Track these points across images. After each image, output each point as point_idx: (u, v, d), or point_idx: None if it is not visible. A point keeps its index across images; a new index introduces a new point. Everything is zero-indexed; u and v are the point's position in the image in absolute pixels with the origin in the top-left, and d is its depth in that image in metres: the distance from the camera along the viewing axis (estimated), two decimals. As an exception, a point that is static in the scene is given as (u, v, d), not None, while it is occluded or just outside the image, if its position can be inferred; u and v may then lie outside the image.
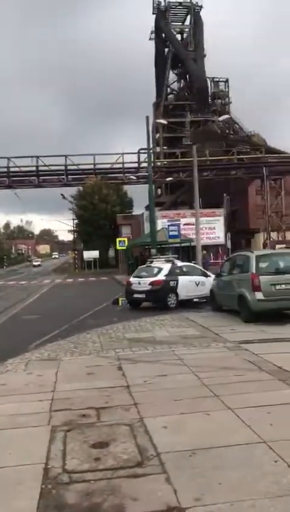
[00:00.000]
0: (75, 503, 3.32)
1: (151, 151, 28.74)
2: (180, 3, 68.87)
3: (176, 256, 21.00)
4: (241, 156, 48.08)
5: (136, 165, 45.26)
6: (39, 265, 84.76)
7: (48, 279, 41.88)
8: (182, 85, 70.64)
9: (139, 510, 3.18)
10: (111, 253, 59.56)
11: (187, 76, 68.31)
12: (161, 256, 19.81)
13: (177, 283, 15.37)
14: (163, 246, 30.22)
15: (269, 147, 52.63)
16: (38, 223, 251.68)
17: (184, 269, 16.39)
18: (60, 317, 14.37)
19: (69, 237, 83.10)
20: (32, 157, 43.77)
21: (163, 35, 69.09)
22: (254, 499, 3.22)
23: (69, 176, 46.28)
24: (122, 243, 38.29)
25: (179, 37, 70.09)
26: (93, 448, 4.23)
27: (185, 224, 35.96)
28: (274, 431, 4.40)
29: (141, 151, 43.71)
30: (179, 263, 17.17)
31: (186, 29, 69.40)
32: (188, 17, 68.78)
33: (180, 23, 70.52)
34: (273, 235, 47.85)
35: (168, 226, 27.61)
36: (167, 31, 68.23)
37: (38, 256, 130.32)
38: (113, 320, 12.81)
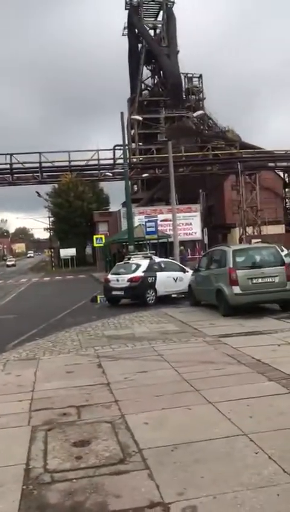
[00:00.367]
0: (57, 503, 3.29)
1: (126, 147, 28.67)
2: (152, -1, 68.77)
3: (154, 252, 21.05)
4: (217, 152, 48.41)
5: (111, 161, 45.11)
6: (13, 265, 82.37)
7: (24, 278, 41.45)
8: (156, 81, 70.52)
9: (123, 507, 3.18)
10: (88, 250, 59.33)
11: (161, 72, 68.23)
12: (139, 253, 19.80)
13: (155, 279, 15.40)
14: (140, 242, 30.22)
15: (243, 143, 53.14)
16: (13, 221, 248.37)
17: (162, 265, 16.42)
18: (38, 316, 14.24)
19: (45, 235, 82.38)
20: (5, 154, 43.16)
21: (136, 30, 68.77)
22: (237, 491, 3.25)
23: (44, 173, 45.82)
24: (99, 240, 38.14)
25: (152, 32, 69.89)
26: (74, 447, 4.21)
27: (162, 221, 36.04)
28: (254, 423, 4.44)
29: (117, 147, 43.60)
30: (157, 259, 17.21)
31: (159, 25, 69.26)
32: (161, 13, 68.67)
33: (153, 19, 70.34)
34: (249, 229, 48.40)
35: (146, 222, 27.58)
36: (139, 27, 67.98)
37: (14, 255, 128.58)
38: (91, 318, 12.76)
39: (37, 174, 44.77)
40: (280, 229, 53.00)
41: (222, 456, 3.82)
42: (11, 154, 43.23)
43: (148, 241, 29.38)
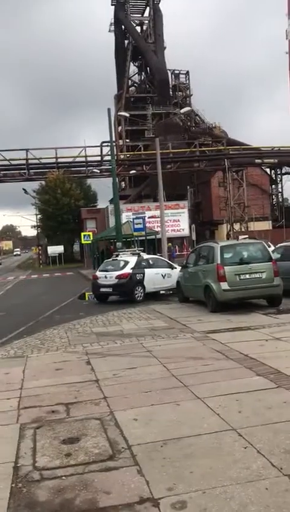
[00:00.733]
0: (46, 501, 3.28)
1: (114, 144, 28.56)
2: (139, -5, 68.50)
3: (142, 249, 21.03)
4: (204, 149, 48.53)
5: (99, 158, 44.95)
6: None
7: (12, 275, 41.15)
8: (143, 77, 70.36)
9: (112, 503, 3.18)
10: (76, 247, 59.12)
11: (148, 68, 68.08)
12: (127, 250, 19.77)
13: (143, 276, 15.40)
14: (128, 239, 30.19)
15: (230, 139, 53.33)
16: (0, 219, 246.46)
17: (150, 262, 16.43)
18: (26, 313, 14.17)
19: (33, 233, 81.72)
20: (-9, 151, 42.80)
21: (123, 27, 68.55)
22: (225, 485, 3.27)
23: (31, 170, 45.54)
24: (87, 237, 38.01)
25: (138, 29, 69.66)
26: (63, 444, 4.19)
27: (150, 217, 36.02)
28: (243, 418, 4.47)
29: (104, 144, 43.46)
30: (145, 256, 17.20)
31: (146, 21, 69.07)
32: (147, 9, 68.46)
33: (139, 15, 70.10)
34: (237, 226, 48.63)
35: (133, 219, 27.54)
36: (126, 23, 67.71)
37: (1, 253, 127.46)
38: (80, 315, 12.73)
39: (24, 171, 44.48)
40: (266, 225, 53.40)
41: (211, 451, 3.84)
42: (-3, 151, 42.88)
43: (136, 238, 29.37)
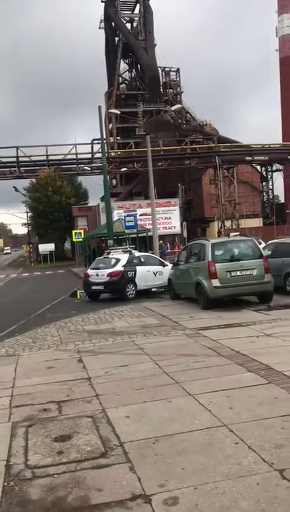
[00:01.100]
0: (39, 499, 3.29)
1: (104, 141, 28.51)
2: (128, -9, 68.25)
3: (133, 246, 21.02)
4: (195, 146, 48.57)
5: (89, 155, 44.82)
6: None
7: (2, 274, 40.95)
8: (133, 74, 70.21)
9: (105, 500, 3.19)
10: (67, 245, 58.93)
11: (138, 65, 67.93)
12: (118, 247, 19.76)
13: (135, 273, 15.41)
14: (120, 236, 30.17)
15: (221, 136, 53.49)
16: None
17: (142, 259, 16.43)
18: (17, 312, 14.12)
19: (24, 231, 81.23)
20: (-19, 149, 42.50)
21: (113, 23, 68.29)
22: (217, 481, 3.29)
23: (21, 168, 45.29)
24: (78, 234, 37.91)
25: (129, 26, 69.45)
26: (55, 442, 4.20)
27: (141, 215, 35.99)
28: (234, 414, 4.50)
29: (95, 141, 43.30)
30: (137, 253, 17.20)
31: (136, 18, 68.88)
32: (138, 6, 68.26)
33: (129, 12, 69.86)
34: (228, 223, 48.78)
35: (125, 216, 27.51)
36: (116, 20, 67.47)
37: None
38: (71, 313, 12.71)
39: (14, 168, 44.24)
40: (257, 222, 53.68)
41: (203, 447, 3.86)
42: (-13, 149, 42.59)
43: (127, 236, 29.35)
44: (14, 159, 43.78)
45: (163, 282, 15.59)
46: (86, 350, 7.95)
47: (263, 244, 15.55)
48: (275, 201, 64.77)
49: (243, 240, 13.01)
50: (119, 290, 15.20)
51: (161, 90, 66.37)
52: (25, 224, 62.61)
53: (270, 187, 63.73)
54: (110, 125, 64.55)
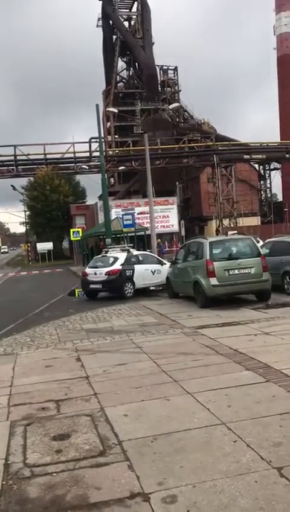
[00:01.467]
0: (37, 497, 3.29)
1: (102, 140, 28.46)
2: (126, -11, 68.16)
3: (131, 245, 21.04)
4: (193, 144, 48.56)
5: (87, 154, 44.82)
6: None
7: (0, 272, 40.90)
8: (131, 73, 70.12)
9: (103, 499, 3.19)
10: (65, 244, 58.85)
11: (136, 64, 67.84)
12: (116, 246, 19.75)
13: (133, 272, 15.41)
14: (118, 235, 30.16)
15: (219, 135, 53.45)
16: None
17: (140, 258, 16.43)
18: (15, 310, 14.10)
19: (22, 229, 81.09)
20: (-21, 147, 42.41)
21: (110, 22, 68.18)
22: (216, 479, 3.30)
23: (19, 167, 45.26)
24: (76, 233, 37.85)
25: (126, 24, 69.35)
26: (54, 441, 4.20)
27: (139, 213, 35.98)
28: (232, 412, 4.51)
29: (92, 140, 43.28)
30: (135, 252, 17.20)
31: (134, 16, 68.78)
32: (135, 4, 68.16)
33: (127, 10, 69.76)
34: (226, 221, 48.79)
35: (123, 215, 27.51)
36: (114, 18, 67.36)
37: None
38: (70, 312, 12.71)
39: (12, 167, 44.18)
40: (255, 220, 53.73)
41: (201, 445, 3.87)
42: (-15, 147, 42.51)
43: (125, 234, 29.35)
44: (12, 158, 43.73)
45: (161, 281, 15.60)
46: (84, 349, 7.95)
47: (261, 243, 15.58)
48: (273, 199, 64.83)
49: (241, 238, 13.01)
50: (117, 289, 15.20)
51: (159, 88, 66.31)
52: (23, 223, 62.58)
53: (268, 185, 63.81)
54: (108, 124, 64.49)
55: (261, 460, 3.53)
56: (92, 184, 77.09)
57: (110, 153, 49.33)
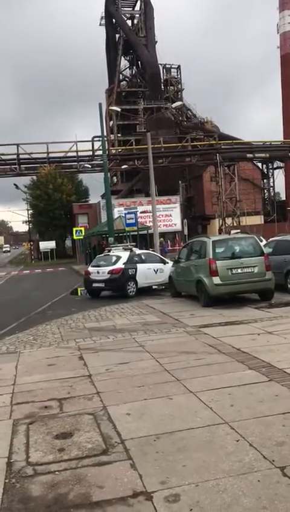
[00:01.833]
0: (40, 496, 3.29)
1: (105, 138, 28.46)
2: (129, -12, 68.07)
3: (134, 244, 21.02)
4: (195, 143, 48.50)
5: (90, 153, 44.75)
6: None
7: (3, 271, 40.96)
8: (134, 72, 70.06)
9: (106, 497, 3.19)
10: (68, 243, 58.92)
11: (139, 62, 67.77)
12: (119, 245, 19.75)
13: (136, 271, 15.40)
14: (121, 234, 30.16)
15: (222, 134, 53.39)
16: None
17: (142, 257, 16.42)
18: (18, 309, 14.13)
19: (24, 228, 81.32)
20: (-18, 146, 42.42)
21: (113, 20, 68.11)
22: (218, 478, 3.29)
23: (22, 165, 45.24)
24: (79, 232, 37.87)
25: (129, 22, 69.27)
26: (56, 439, 4.20)
27: (142, 212, 35.99)
28: (235, 411, 4.50)
29: (95, 138, 43.23)
30: (137, 251, 17.20)
31: (137, 15, 68.70)
32: (138, 3, 68.08)
33: (130, 9, 69.69)
34: (229, 220, 48.73)
35: (125, 214, 27.51)
36: (117, 17, 67.30)
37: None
38: (72, 311, 12.72)
39: (15, 166, 44.19)
40: (258, 219, 53.61)
41: (204, 444, 3.86)
42: (-12, 146, 42.53)
43: (128, 233, 29.34)
44: (15, 156, 43.74)
45: (164, 280, 15.60)
46: (86, 347, 7.95)
47: (264, 242, 15.54)
48: (276, 198, 64.72)
49: (244, 237, 12.97)
50: (120, 288, 15.20)
51: (162, 87, 66.22)
52: (26, 221, 62.68)
53: (271, 184, 63.69)
54: (111, 123, 64.47)
55: (264, 459, 3.52)
56: (94, 183, 77.07)
57: (113, 151, 49.30)
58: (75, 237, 39.63)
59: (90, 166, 45.54)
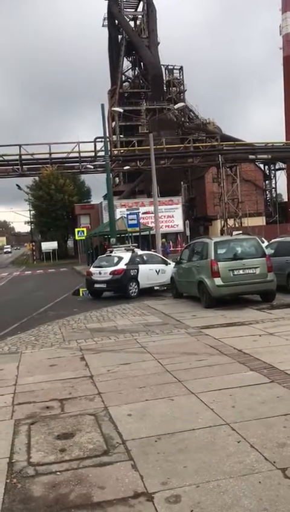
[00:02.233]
0: (41, 496, 3.29)
1: (107, 139, 28.51)
2: (131, -11, 68.14)
3: (136, 245, 21.05)
4: (198, 144, 48.47)
5: (92, 154, 44.77)
6: None
7: (5, 271, 41.01)
8: (136, 72, 70.08)
9: (107, 498, 3.19)
10: (70, 243, 59.01)
11: (141, 63, 67.79)
12: (121, 246, 19.76)
13: (137, 271, 15.41)
14: (122, 235, 30.19)
15: (224, 135, 53.33)
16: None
17: (144, 258, 16.43)
18: (20, 310, 14.14)
19: (26, 229, 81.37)
20: (-16, 147, 42.47)
21: (116, 21, 68.17)
22: (219, 479, 3.29)
23: (24, 166, 45.27)
24: (81, 233, 37.93)
25: (132, 23, 69.30)
26: (58, 440, 4.20)
27: (144, 213, 36.05)
28: (236, 413, 4.50)
29: (98, 139, 43.26)
30: (139, 252, 17.21)
31: (140, 16, 68.75)
32: (141, 4, 68.13)
33: (133, 10, 69.73)
34: (231, 221, 48.68)
35: (127, 215, 27.54)
36: (119, 18, 67.34)
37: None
38: (74, 311, 12.73)
39: (17, 166, 44.22)
40: (260, 220, 53.56)
41: (205, 445, 3.86)
42: (-10, 147, 42.58)
43: (130, 234, 29.36)
44: (17, 157, 43.77)
45: (165, 281, 15.60)
46: (88, 348, 7.96)
47: (266, 243, 15.53)
48: (278, 199, 64.62)
49: (246, 238, 12.97)
50: (121, 288, 15.21)
51: (164, 88, 66.23)
52: (28, 222, 62.76)
53: (274, 186, 63.56)
54: (113, 124, 64.47)
55: (265, 461, 3.52)
56: (96, 184, 77.32)
57: (115, 152, 49.32)
58: (77, 238, 39.68)
59: (92, 167, 45.57)
